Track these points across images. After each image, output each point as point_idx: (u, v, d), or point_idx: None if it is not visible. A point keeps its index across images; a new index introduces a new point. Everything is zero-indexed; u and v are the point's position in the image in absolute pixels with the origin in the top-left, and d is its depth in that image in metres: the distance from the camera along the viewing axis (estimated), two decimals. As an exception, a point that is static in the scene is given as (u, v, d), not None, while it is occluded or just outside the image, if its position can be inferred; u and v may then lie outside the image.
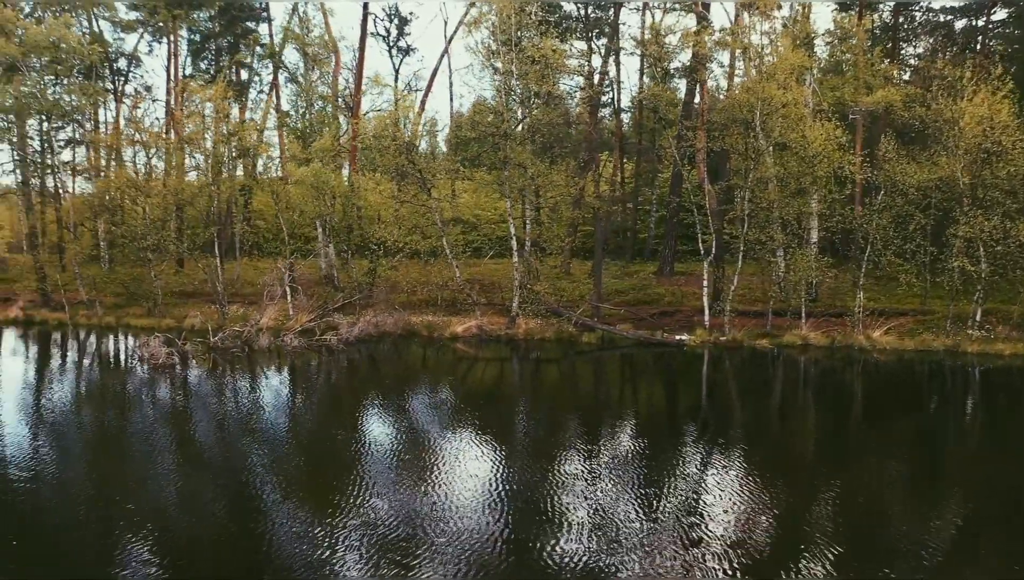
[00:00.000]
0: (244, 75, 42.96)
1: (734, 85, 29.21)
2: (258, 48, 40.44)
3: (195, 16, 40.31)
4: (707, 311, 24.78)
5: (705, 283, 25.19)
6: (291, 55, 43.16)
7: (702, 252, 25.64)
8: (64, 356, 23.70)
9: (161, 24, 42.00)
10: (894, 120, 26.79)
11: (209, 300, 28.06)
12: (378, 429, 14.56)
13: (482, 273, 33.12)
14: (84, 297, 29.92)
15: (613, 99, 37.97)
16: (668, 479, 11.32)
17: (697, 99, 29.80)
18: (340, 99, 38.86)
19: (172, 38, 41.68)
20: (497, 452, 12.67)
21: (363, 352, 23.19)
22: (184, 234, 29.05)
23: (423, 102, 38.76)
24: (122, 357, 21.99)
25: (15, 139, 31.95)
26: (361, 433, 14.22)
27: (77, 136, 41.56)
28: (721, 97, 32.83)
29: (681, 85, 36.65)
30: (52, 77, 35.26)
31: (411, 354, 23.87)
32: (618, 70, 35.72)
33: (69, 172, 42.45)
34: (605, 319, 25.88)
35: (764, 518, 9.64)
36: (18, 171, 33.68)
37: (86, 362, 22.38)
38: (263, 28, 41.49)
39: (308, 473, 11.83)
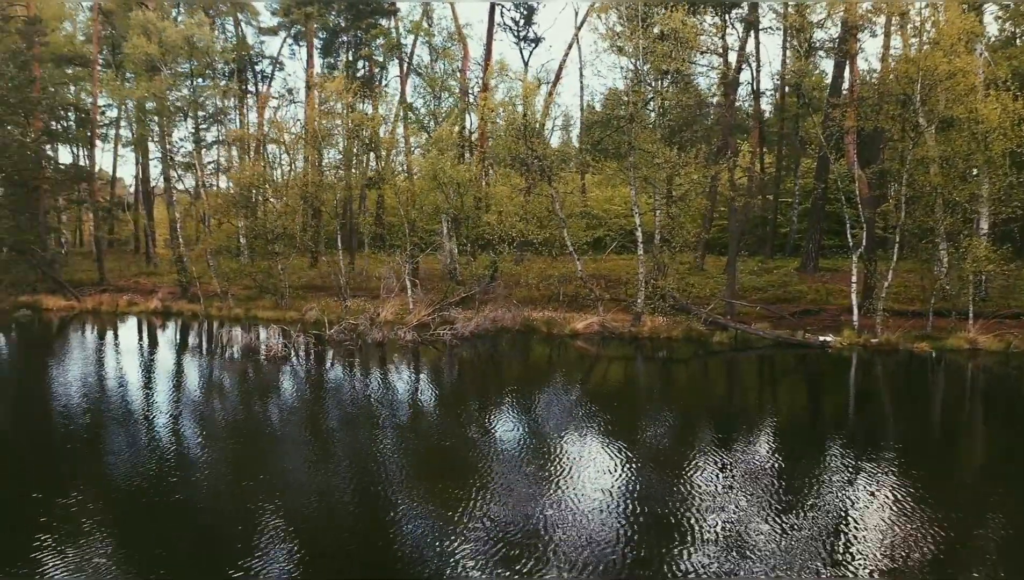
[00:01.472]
0: (375, 70, 43.42)
1: (889, 57, 26.16)
2: (382, 41, 40.59)
3: (328, 16, 40.96)
4: (856, 310, 22.24)
5: (854, 279, 22.65)
6: (420, 48, 43.03)
7: (851, 244, 23.09)
8: (183, 345, 24.20)
9: (302, 28, 43.18)
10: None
11: (335, 294, 28.17)
12: (492, 429, 13.45)
13: (607, 269, 31.69)
14: (218, 289, 30.74)
15: (752, 80, 35.40)
16: (810, 496, 9.78)
17: (847, 75, 26.90)
18: (470, 94, 38.41)
19: (308, 40, 42.73)
20: (623, 459, 11.35)
21: (478, 348, 22.30)
22: (309, 227, 29.26)
23: (550, 92, 37.71)
24: (238, 348, 22.08)
25: (156, 138, 33.40)
26: (471, 433, 13.20)
27: (220, 136, 43.43)
28: (872, 80, 29.89)
29: (827, 66, 33.78)
30: (199, 79, 36.81)
31: (528, 351, 22.76)
32: (757, 48, 33.12)
33: (212, 170, 44.47)
34: (739, 317, 23.82)
35: (921, 545, 8.16)
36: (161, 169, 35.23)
37: (202, 352, 22.66)
38: (391, 23, 41.63)
39: (422, 472, 11.05)
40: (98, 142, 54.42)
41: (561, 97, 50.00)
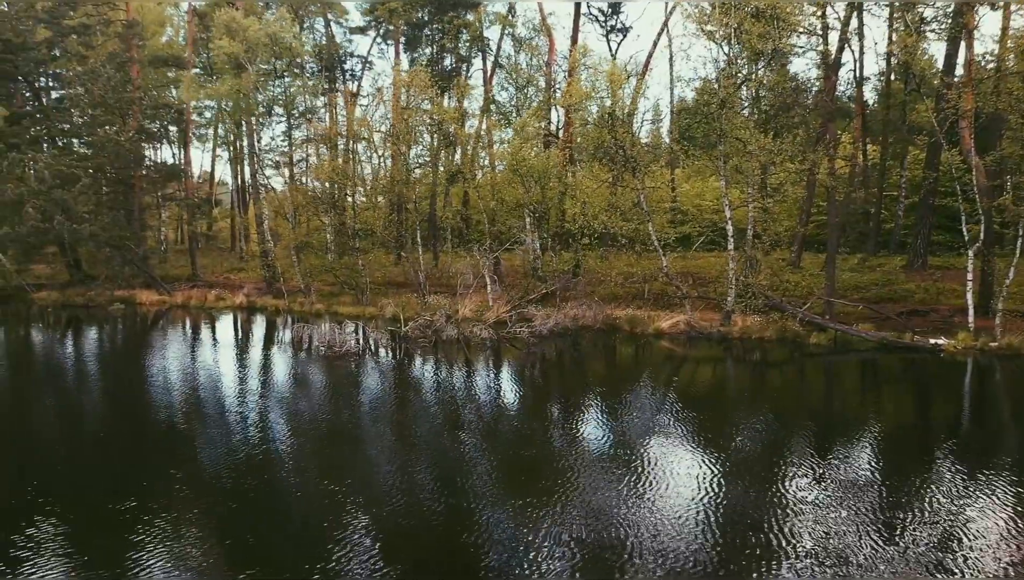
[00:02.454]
0: (459, 64, 43.12)
1: (1009, 33, 23.84)
2: (464, 34, 40.17)
3: (412, 12, 40.83)
4: (971, 311, 20.31)
5: (969, 277, 20.69)
6: (504, 42, 42.43)
7: (966, 239, 21.10)
8: (263, 339, 24.23)
9: (391, 28, 43.31)
10: None
11: (415, 290, 27.88)
12: (576, 437, 12.61)
13: (695, 267, 30.29)
14: (301, 285, 30.88)
15: (854, 64, 33.21)
16: (917, 513, 8.76)
17: (962, 54, 24.52)
18: (555, 88, 37.53)
19: (395, 37, 42.79)
20: (724, 476, 10.33)
21: (556, 346, 21.41)
22: (391, 223, 29.03)
23: (639, 83, 36.44)
24: (316, 343, 21.72)
25: (244, 137, 33.89)
26: (555, 441, 12.41)
27: (309, 135, 44.03)
28: (987, 64, 27.46)
29: (936, 51, 31.27)
30: (286, 77, 37.25)
31: (610, 350, 21.72)
32: (860, 29, 30.94)
33: (302, 169, 45.13)
34: (839, 317, 22.14)
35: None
36: (247, 165, 35.80)
37: (281, 346, 22.47)
38: (474, 17, 41.18)
39: (504, 484, 10.31)
40: (195, 141, 56.36)
41: (651, 90, 48.50)
